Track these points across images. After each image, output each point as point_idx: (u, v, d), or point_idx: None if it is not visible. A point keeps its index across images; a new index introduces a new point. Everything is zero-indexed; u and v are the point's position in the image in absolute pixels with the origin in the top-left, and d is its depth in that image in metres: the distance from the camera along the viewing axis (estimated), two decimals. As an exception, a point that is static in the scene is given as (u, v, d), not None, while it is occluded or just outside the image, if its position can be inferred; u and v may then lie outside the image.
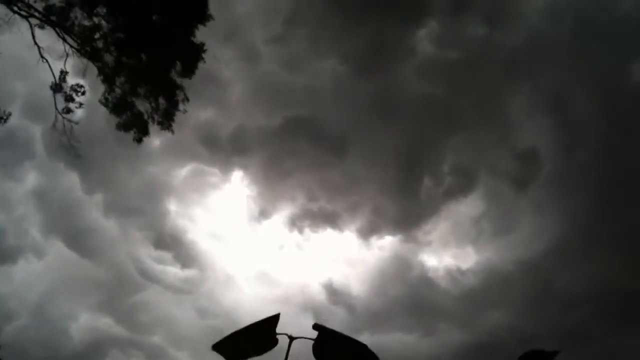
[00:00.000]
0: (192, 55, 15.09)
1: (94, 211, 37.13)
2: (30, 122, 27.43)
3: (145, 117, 15.69)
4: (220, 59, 31.83)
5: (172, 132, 15.88)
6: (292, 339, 1.45)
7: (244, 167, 39.51)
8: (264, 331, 1.50)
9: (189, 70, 15.27)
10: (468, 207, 39.02)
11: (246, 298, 37.37)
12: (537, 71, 35.23)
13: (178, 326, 37.76)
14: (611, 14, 32.35)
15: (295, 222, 39.38)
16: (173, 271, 37.63)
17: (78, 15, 14.63)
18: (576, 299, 32.85)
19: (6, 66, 21.15)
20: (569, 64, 34.25)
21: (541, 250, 35.32)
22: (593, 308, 32.44)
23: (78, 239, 37.26)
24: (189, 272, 38.46)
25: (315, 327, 1.47)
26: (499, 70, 34.86)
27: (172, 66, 15.22)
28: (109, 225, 37.88)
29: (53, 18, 14.64)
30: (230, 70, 34.31)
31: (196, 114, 33.39)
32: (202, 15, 14.86)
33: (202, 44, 15.24)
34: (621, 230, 32.93)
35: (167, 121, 15.67)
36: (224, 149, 37.47)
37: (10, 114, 15.23)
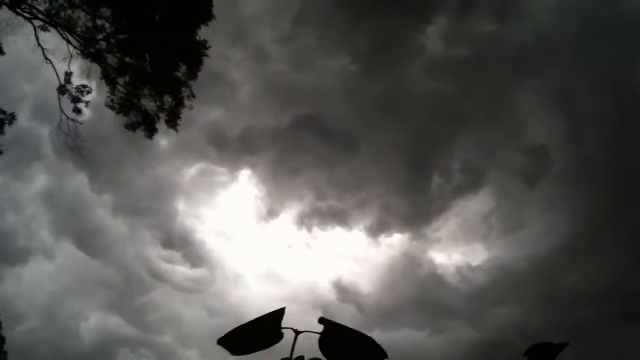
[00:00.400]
0: (196, 53, 15.09)
1: (103, 212, 37.40)
2: (39, 123, 27.63)
3: (152, 115, 15.74)
4: (229, 59, 31.95)
5: (177, 130, 15.93)
6: (297, 333, 1.43)
7: (253, 166, 39.61)
8: (270, 325, 1.47)
9: (194, 67, 15.27)
10: (478, 204, 38.95)
11: (255, 297, 37.49)
12: (545, 68, 35.10)
13: (187, 325, 37.91)
14: (619, 12, 32.22)
15: (304, 221, 39.44)
16: (182, 271, 37.77)
17: (82, 17, 14.68)
18: (584, 297, 32.75)
19: (15, 68, 21.30)
20: (577, 62, 34.12)
21: (550, 248, 35.24)
22: (600, 306, 32.32)
23: (87, 239, 37.66)
24: (198, 272, 38.58)
25: (321, 321, 1.44)
26: (508, 67, 34.80)
27: (177, 64, 15.24)
28: (118, 226, 38.19)
29: (57, 20, 14.69)
30: (238, 71, 34.43)
31: (205, 114, 33.57)
32: (206, 16, 14.84)
33: (205, 41, 15.23)
34: (629, 229, 32.77)
35: (174, 119, 15.69)
36: (233, 149, 37.62)
37: (15, 117, 15.31)
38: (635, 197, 32.92)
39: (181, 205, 41.41)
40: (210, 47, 15.27)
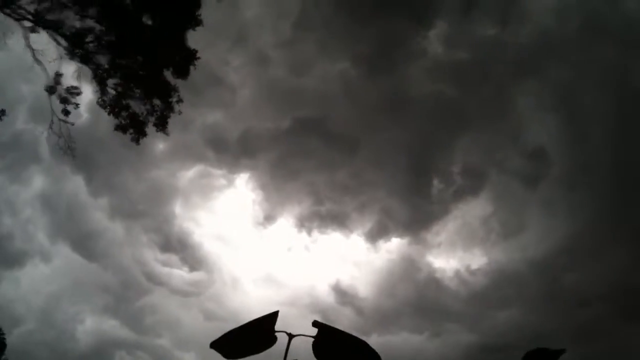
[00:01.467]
0: (185, 59, 15.13)
1: (100, 214, 37.33)
2: (36, 125, 27.49)
3: (141, 118, 15.69)
4: (229, 62, 32.04)
5: (167, 134, 15.94)
6: (291, 336, 1.42)
7: (252, 169, 39.50)
8: (263, 329, 1.47)
9: (183, 71, 15.26)
10: (477, 208, 38.95)
11: (253, 301, 37.39)
12: (545, 70, 35.18)
13: (184, 328, 37.89)
14: (618, 12, 32.38)
15: (303, 224, 39.31)
16: (179, 274, 37.71)
17: (70, 18, 14.63)
18: (587, 297, 32.88)
19: (12, 69, 21.22)
20: (577, 62, 34.20)
21: (551, 249, 35.30)
22: (604, 306, 32.46)
23: (84, 242, 37.47)
24: (196, 275, 38.50)
25: (315, 324, 1.43)
26: (508, 69, 34.84)
27: (165, 68, 15.23)
28: (115, 228, 38.07)
29: (45, 21, 14.62)
30: (239, 74, 34.40)
31: (203, 116, 33.59)
32: (192, 20, 14.88)
33: (195, 51, 15.28)
34: (631, 227, 32.91)
35: (163, 122, 15.67)
36: (232, 151, 37.54)
37: (4, 111, 15.25)
38: (635, 197, 33.06)
39: (178, 208, 41.19)
40: (199, 57, 15.32)
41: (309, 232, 39.40)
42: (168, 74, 15.53)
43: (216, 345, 1.50)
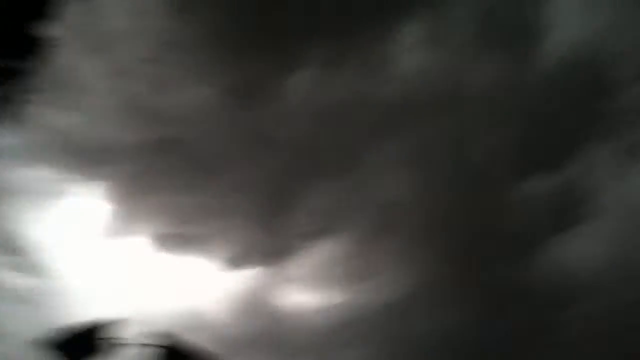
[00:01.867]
0: (35, 49, 14.52)
1: None
2: None
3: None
4: (90, 70, 31.07)
5: (10, 129, 15.04)
6: (135, 345, 1.36)
7: (106, 181, 37.60)
8: (104, 335, 1.39)
9: (30, 63, 14.60)
10: (335, 249, 40.28)
11: (97, 316, 35.09)
12: (404, 124, 37.79)
13: (12, 338, 34.61)
14: (480, 78, 35.89)
15: (156, 244, 38.07)
16: (9, 278, 34.73)
17: None
18: (436, 345, 35.02)
19: None
20: (435, 120, 37.25)
21: (402, 296, 37.24)
22: (454, 353, 34.76)
23: None
24: (29, 281, 35.67)
25: (158, 335, 1.39)
26: (370, 120, 36.92)
27: (13, 56, 14.46)
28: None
29: None
30: (101, 83, 33.26)
31: (55, 118, 31.76)
32: (46, 15, 14.38)
33: (48, 38, 14.55)
34: (482, 278, 35.91)
35: (6, 115, 14.71)
36: (84, 159, 35.64)
37: None
38: (487, 252, 36.13)
39: (15, 211, 37.75)
40: (55, 45, 14.71)
41: (162, 254, 38.23)
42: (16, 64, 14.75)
43: (50, 343, 1.40)
